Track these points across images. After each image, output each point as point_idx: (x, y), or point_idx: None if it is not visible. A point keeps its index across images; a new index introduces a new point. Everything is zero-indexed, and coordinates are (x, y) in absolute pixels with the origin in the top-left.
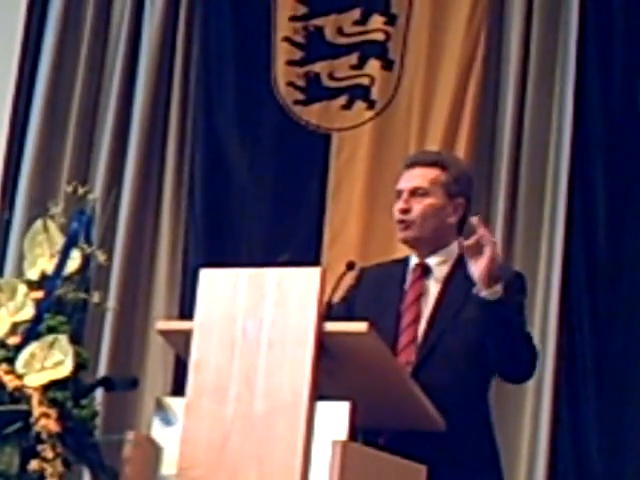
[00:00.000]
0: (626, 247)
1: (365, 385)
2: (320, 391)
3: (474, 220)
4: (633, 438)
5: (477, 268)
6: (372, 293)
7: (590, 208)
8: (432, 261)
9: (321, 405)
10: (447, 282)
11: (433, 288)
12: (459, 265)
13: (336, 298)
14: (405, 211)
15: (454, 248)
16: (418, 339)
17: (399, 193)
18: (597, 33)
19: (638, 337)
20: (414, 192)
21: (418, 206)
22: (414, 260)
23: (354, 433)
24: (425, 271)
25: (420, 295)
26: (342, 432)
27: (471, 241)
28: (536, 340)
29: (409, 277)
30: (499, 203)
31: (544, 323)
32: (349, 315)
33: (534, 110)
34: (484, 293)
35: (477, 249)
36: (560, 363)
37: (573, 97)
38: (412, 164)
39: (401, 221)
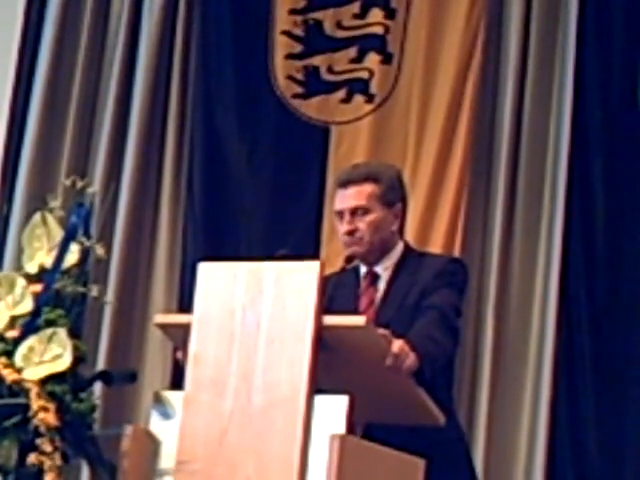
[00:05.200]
0: (625, 244)
1: (363, 379)
2: (318, 385)
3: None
4: (631, 436)
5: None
6: (327, 302)
7: (589, 205)
8: (380, 268)
9: (319, 399)
10: (392, 282)
11: (382, 292)
12: (402, 264)
13: None
14: (351, 232)
15: (398, 250)
16: None
17: (340, 214)
18: (596, 28)
19: (637, 335)
20: (355, 211)
21: (362, 224)
22: (363, 268)
23: (352, 427)
24: (374, 278)
25: (372, 301)
26: (340, 426)
27: (389, 362)
28: (534, 338)
29: (361, 285)
30: (498, 200)
31: (542, 320)
32: None
33: (533, 105)
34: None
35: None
36: (558, 361)
37: (572, 92)
38: (345, 183)
39: (349, 242)
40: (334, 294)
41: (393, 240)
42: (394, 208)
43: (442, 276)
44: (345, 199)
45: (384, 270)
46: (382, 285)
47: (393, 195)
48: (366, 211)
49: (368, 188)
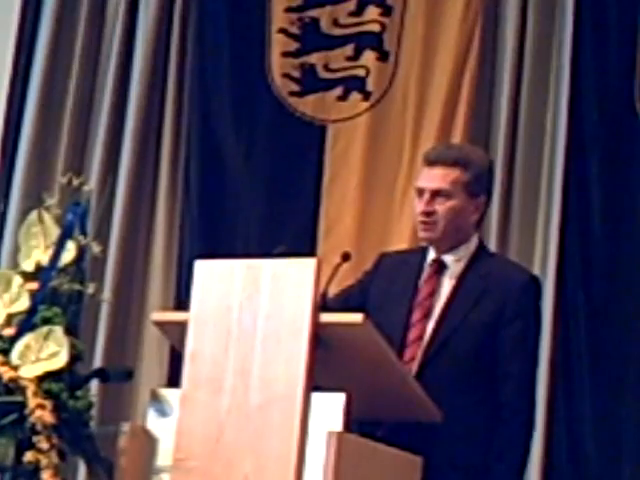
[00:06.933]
0: (622, 243)
1: (361, 376)
2: (315, 382)
3: None
4: (629, 434)
5: None
6: (386, 283)
7: (585, 204)
8: (449, 258)
9: (316, 396)
10: (461, 279)
11: (447, 285)
12: (474, 262)
13: (334, 287)
14: (428, 214)
15: (472, 244)
16: (426, 336)
17: (420, 191)
18: (592, 26)
19: (633, 333)
20: (436, 193)
21: (440, 208)
22: (431, 255)
23: (349, 424)
24: (441, 267)
25: (433, 292)
26: (337, 423)
27: None
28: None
29: (425, 272)
30: (494, 198)
31: None
32: (364, 301)
33: (530, 102)
34: None
35: None
36: (555, 359)
37: (568, 90)
38: (433, 162)
39: (423, 222)
40: (397, 276)
41: (469, 232)
42: (477, 199)
43: (519, 305)
44: (429, 178)
45: (454, 262)
46: (448, 278)
47: (479, 186)
48: (448, 196)
49: (455, 172)
